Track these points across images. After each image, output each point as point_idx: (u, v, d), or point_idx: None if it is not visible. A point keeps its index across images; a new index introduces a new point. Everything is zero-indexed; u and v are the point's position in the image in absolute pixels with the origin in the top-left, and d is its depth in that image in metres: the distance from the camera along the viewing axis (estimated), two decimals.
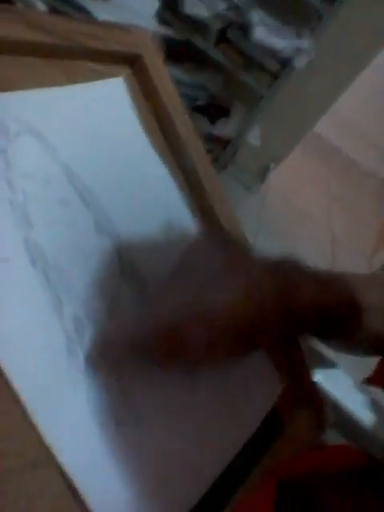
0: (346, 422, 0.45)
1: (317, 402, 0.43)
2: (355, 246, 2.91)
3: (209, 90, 2.02)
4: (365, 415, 0.45)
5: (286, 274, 0.31)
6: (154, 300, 0.31)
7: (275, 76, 1.85)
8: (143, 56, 0.42)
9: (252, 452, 0.35)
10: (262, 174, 2.52)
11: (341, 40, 2.05)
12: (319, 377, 0.44)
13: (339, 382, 0.46)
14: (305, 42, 1.76)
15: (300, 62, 1.80)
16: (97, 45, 0.38)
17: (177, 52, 1.68)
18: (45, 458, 0.24)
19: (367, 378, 0.45)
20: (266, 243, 2.28)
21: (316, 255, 2.55)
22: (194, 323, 0.27)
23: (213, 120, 2.06)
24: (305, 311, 0.30)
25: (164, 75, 0.44)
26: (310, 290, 0.31)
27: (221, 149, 2.12)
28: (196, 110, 2.00)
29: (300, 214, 2.81)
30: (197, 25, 1.75)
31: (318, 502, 0.32)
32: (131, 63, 0.42)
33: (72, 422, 0.26)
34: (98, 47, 0.38)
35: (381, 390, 0.42)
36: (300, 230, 2.68)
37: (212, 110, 2.07)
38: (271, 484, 0.33)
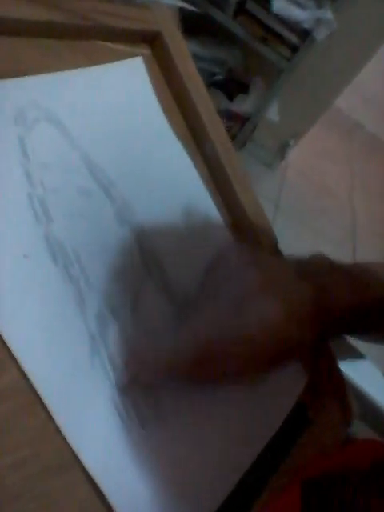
0: (374, 414, 0.44)
1: (342, 393, 0.42)
2: (376, 224, 2.85)
3: (227, 65, 1.96)
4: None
5: (319, 275, 0.30)
6: (190, 321, 0.29)
7: (295, 49, 1.78)
8: (163, 33, 0.40)
9: (277, 449, 0.34)
10: (282, 150, 2.46)
11: (362, 11, 1.95)
12: (347, 369, 0.43)
13: (367, 373, 0.44)
14: (326, 13, 1.68)
15: (321, 34, 1.73)
16: (116, 23, 0.36)
17: (194, 25, 1.63)
18: (69, 462, 0.23)
19: None
20: (286, 221, 2.25)
21: (336, 234, 2.51)
22: (235, 349, 0.26)
23: (231, 96, 2.00)
24: (342, 315, 0.30)
25: (185, 53, 0.42)
26: (345, 293, 0.30)
27: (239, 126, 2.07)
28: (214, 85, 1.95)
29: (320, 192, 2.75)
30: None
31: (343, 503, 0.31)
32: (151, 42, 0.40)
33: (96, 424, 0.25)
34: (118, 25, 0.36)
35: None
36: (320, 207, 2.62)
37: (230, 85, 2.01)
38: (298, 484, 0.32)
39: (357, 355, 0.47)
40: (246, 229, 0.41)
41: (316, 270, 0.30)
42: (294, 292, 0.28)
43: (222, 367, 0.27)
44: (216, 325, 0.27)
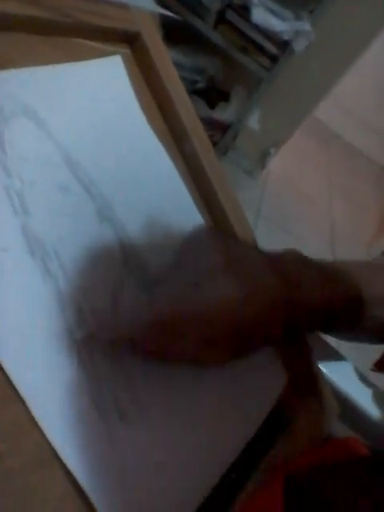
0: (353, 414, 0.44)
1: (321, 393, 0.42)
2: (355, 231, 2.90)
3: (208, 73, 1.98)
4: (370, 406, 0.44)
5: (290, 270, 0.29)
6: (152, 290, 0.30)
7: (275, 59, 1.81)
8: (142, 34, 0.40)
9: (258, 447, 0.34)
10: (263, 159, 2.49)
11: (340, 22, 2.00)
12: (327, 369, 0.43)
13: (347, 374, 0.45)
14: (304, 24, 1.72)
15: (299, 45, 1.76)
16: (96, 21, 0.36)
17: (175, 34, 1.64)
18: (48, 458, 0.23)
19: (375, 365, 0.44)
20: (267, 228, 2.27)
21: (315, 240, 2.54)
22: (190, 321, 0.26)
23: (212, 104, 2.02)
24: (311, 309, 0.29)
25: (164, 54, 0.42)
26: (316, 287, 0.29)
27: (221, 134, 2.08)
28: (195, 93, 1.97)
29: (300, 199, 2.79)
30: (195, 6, 1.71)
31: (321, 496, 0.31)
32: (130, 42, 0.40)
33: (74, 419, 0.25)
34: (97, 24, 0.36)
35: None
36: (300, 215, 2.66)
37: (211, 93, 2.03)
38: (280, 479, 0.32)
39: (337, 357, 0.47)
40: (225, 226, 0.41)
41: (288, 263, 0.30)
42: (258, 278, 0.28)
43: (178, 340, 0.27)
44: (175, 296, 0.27)
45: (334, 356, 0.47)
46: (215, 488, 0.30)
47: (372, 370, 0.45)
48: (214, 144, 2.04)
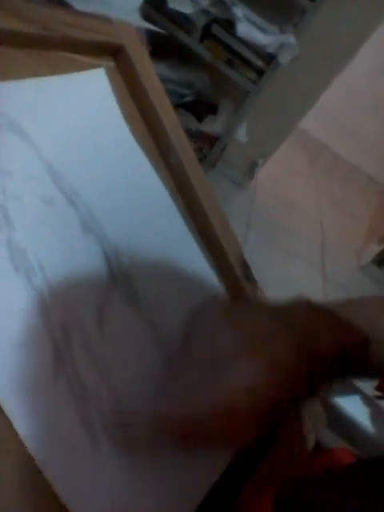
0: (342, 423, 0.44)
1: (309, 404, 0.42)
2: (344, 240, 2.92)
3: (195, 87, 2.00)
4: (358, 413, 0.44)
5: (304, 323, 0.29)
6: (170, 383, 0.29)
7: (261, 72, 1.84)
8: (126, 47, 0.40)
9: (246, 460, 0.34)
10: (251, 170, 2.51)
11: (324, 34, 2.04)
12: None
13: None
14: (289, 38, 1.75)
15: (284, 58, 1.79)
16: (79, 34, 0.36)
17: (163, 48, 1.66)
18: (32, 475, 0.22)
19: (377, 388, 0.44)
20: (257, 238, 2.28)
21: (306, 249, 2.56)
22: (216, 415, 0.26)
23: (200, 117, 2.04)
24: (329, 359, 0.29)
25: (148, 67, 0.42)
26: (330, 336, 0.29)
27: (209, 146, 2.10)
28: (183, 106, 1.99)
29: (289, 210, 2.81)
30: (181, 21, 1.73)
31: (309, 506, 0.31)
32: (114, 55, 0.41)
33: (59, 437, 0.24)
34: (81, 37, 0.36)
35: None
36: (290, 224, 2.68)
37: (199, 106, 2.05)
38: (269, 496, 0.32)
39: None
40: (210, 236, 0.41)
41: (300, 316, 0.29)
42: (275, 346, 0.27)
43: (205, 436, 0.27)
44: (197, 391, 0.27)
45: None
46: (204, 501, 0.29)
47: (375, 395, 0.45)
48: (203, 157, 2.06)
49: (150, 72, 0.42)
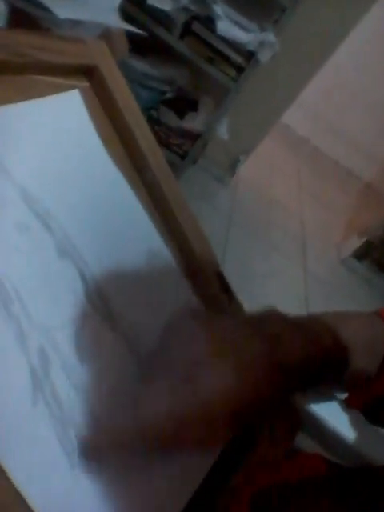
0: (317, 428, 0.45)
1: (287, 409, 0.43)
2: (325, 233, 2.96)
3: (176, 83, 2.00)
4: (334, 419, 0.45)
5: (277, 334, 0.30)
6: (145, 389, 0.30)
7: (241, 69, 1.84)
8: (99, 67, 0.41)
9: (224, 467, 0.35)
10: (233, 166, 2.52)
11: (304, 32, 2.06)
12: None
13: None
14: (269, 36, 1.76)
15: (264, 56, 1.80)
16: (50, 58, 0.36)
17: (143, 45, 1.65)
18: (12, 501, 0.23)
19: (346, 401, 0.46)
20: (239, 234, 2.30)
21: (287, 244, 2.59)
22: (189, 419, 0.27)
23: (181, 114, 2.03)
24: (298, 366, 0.30)
25: (122, 85, 0.43)
26: (298, 345, 0.30)
27: (190, 143, 2.10)
28: (164, 103, 1.98)
29: (271, 204, 2.83)
30: (161, 18, 1.72)
31: None
32: (88, 75, 0.41)
33: (39, 460, 0.25)
34: (52, 60, 0.37)
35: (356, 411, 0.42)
36: (271, 219, 2.70)
37: (180, 103, 2.05)
38: (245, 501, 0.33)
39: None
40: (189, 254, 0.42)
41: (273, 327, 0.31)
42: (247, 351, 0.29)
43: (182, 437, 0.28)
44: (170, 396, 0.28)
45: None
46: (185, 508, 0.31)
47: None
48: (185, 154, 2.06)
49: (124, 91, 0.42)
